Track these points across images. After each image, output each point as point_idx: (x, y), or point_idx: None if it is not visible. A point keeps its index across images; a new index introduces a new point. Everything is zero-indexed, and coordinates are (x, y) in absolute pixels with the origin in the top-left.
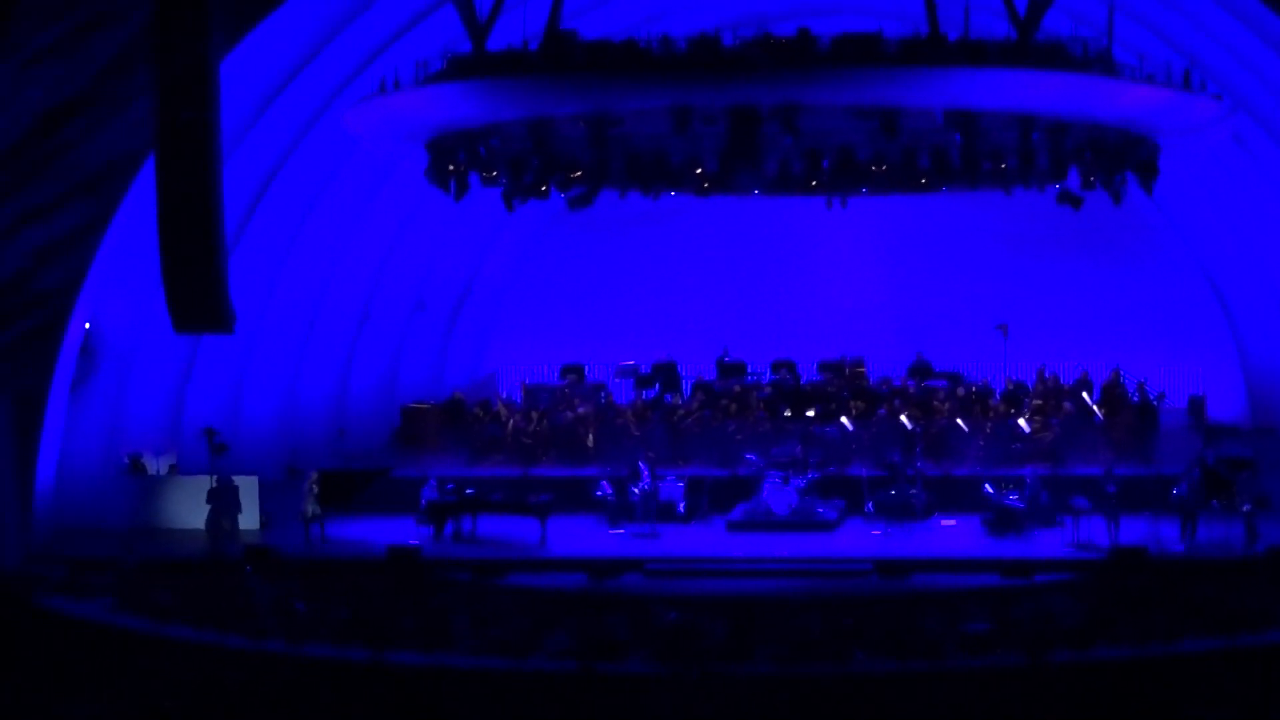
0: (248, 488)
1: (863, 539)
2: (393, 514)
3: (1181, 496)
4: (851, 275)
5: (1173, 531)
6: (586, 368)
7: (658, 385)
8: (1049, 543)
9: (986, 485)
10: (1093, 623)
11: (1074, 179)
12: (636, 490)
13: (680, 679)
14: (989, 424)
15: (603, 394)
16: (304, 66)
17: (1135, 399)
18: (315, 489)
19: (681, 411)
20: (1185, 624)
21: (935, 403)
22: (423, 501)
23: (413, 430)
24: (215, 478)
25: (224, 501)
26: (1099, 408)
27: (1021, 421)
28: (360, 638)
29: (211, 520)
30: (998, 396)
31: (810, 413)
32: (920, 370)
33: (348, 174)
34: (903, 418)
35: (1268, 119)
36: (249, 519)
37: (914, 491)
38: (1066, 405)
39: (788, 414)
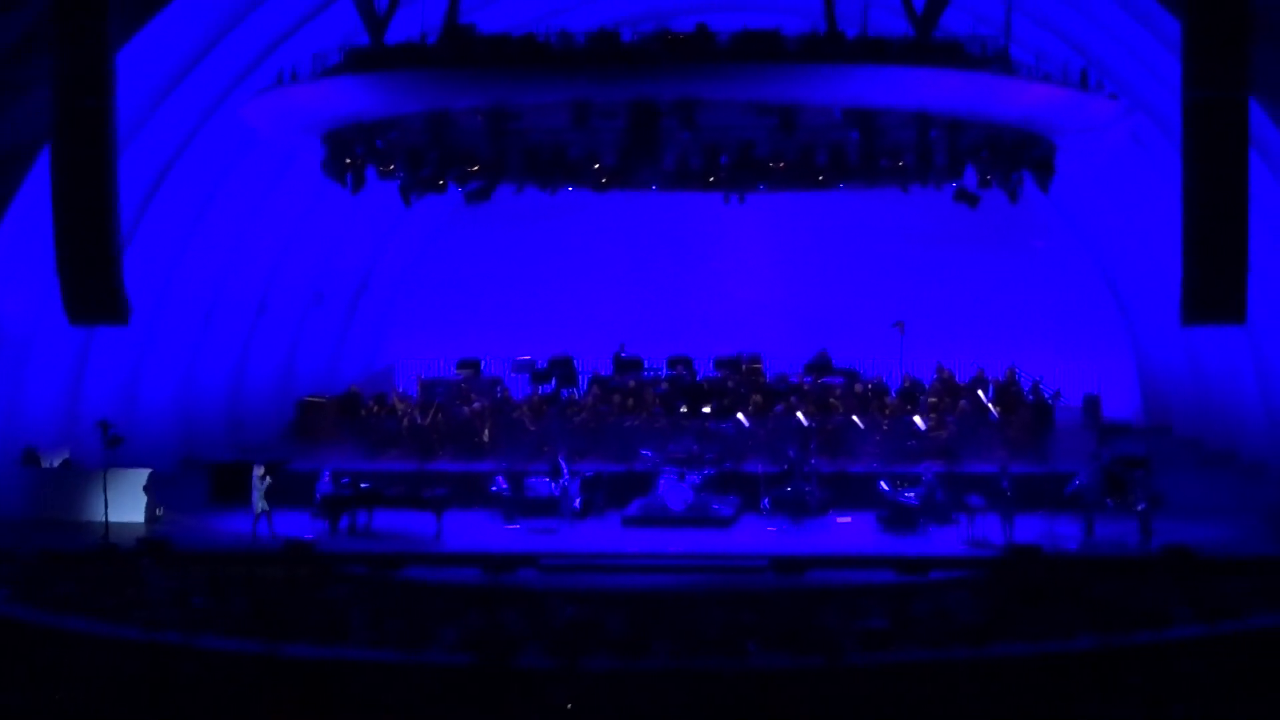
0: (140, 481)
1: (758, 535)
2: (288, 507)
3: (1078, 494)
4: (749, 271)
5: (1068, 529)
6: (483, 362)
7: (554, 380)
8: (945, 540)
9: (882, 482)
10: (990, 620)
11: (971, 177)
12: (556, 486)
13: (576, 673)
14: (885, 421)
15: (499, 388)
16: (202, 57)
17: (1030, 397)
18: (264, 482)
19: (578, 406)
20: (1081, 621)
21: (831, 399)
22: (318, 495)
23: (309, 423)
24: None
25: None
26: (994, 405)
27: (917, 419)
28: (257, 630)
29: (149, 510)
30: (894, 393)
31: (706, 409)
32: (818, 367)
33: (246, 166)
34: (799, 414)
35: (1165, 119)
36: (139, 511)
37: (809, 488)
38: (962, 403)
39: (684, 410)
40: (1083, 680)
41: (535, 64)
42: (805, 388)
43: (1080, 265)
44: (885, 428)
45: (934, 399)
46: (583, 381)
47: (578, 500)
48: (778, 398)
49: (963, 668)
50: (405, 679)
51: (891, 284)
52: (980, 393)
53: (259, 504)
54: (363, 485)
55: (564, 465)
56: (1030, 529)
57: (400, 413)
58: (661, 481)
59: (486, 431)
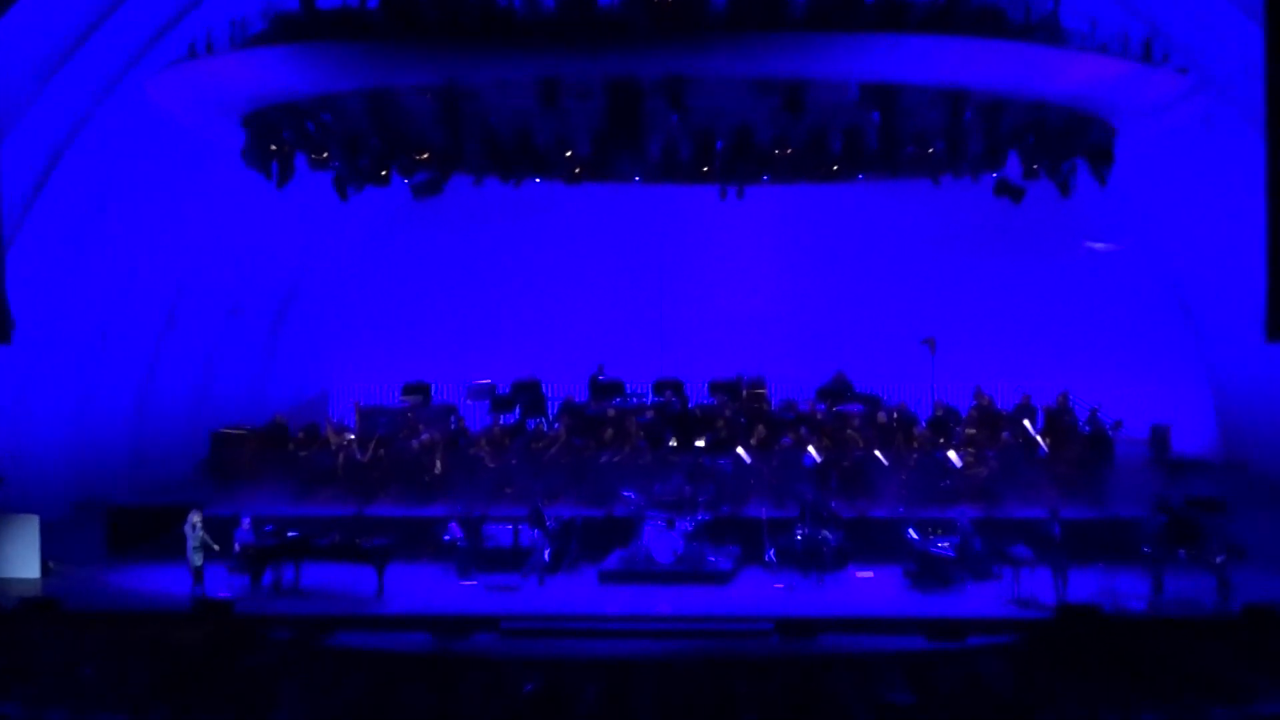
0: (28, 528)
1: (762, 593)
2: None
3: (1143, 543)
4: (750, 279)
5: (1131, 585)
6: (434, 387)
7: (518, 408)
8: (983, 599)
9: (910, 530)
10: (1036, 695)
11: (1014, 167)
12: (536, 538)
13: None
14: (913, 456)
15: (452, 418)
16: (98, 25)
17: (1086, 428)
18: (197, 532)
19: (546, 439)
20: (1146, 696)
21: (849, 431)
22: (237, 545)
23: (226, 459)
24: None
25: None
26: (1043, 438)
27: (951, 454)
28: (161, 707)
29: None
30: (923, 424)
31: (700, 442)
32: (834, 392)
33: (151, 154)
34: (810, 449)
35: (1242, 99)
36: (26, 565)
37: (823, 537)
38: (1005, 435)
39: (673, 443)
40: None
41: (495, 35)
42: (818, 417)
43: (1144, 273)
44: (913, 464)
45: (971, 430)
46: (552, 409)
47: (546, 551)
48: (785, 429)
49: None
50: None
51: (920, 294)
52: (1026, 423)
53: (195, 557)
54: (290, 533)
55: (544, 512)
56: (1086, 585)
57: (335, 447)
58: (646, 529)
59: (438, 469)
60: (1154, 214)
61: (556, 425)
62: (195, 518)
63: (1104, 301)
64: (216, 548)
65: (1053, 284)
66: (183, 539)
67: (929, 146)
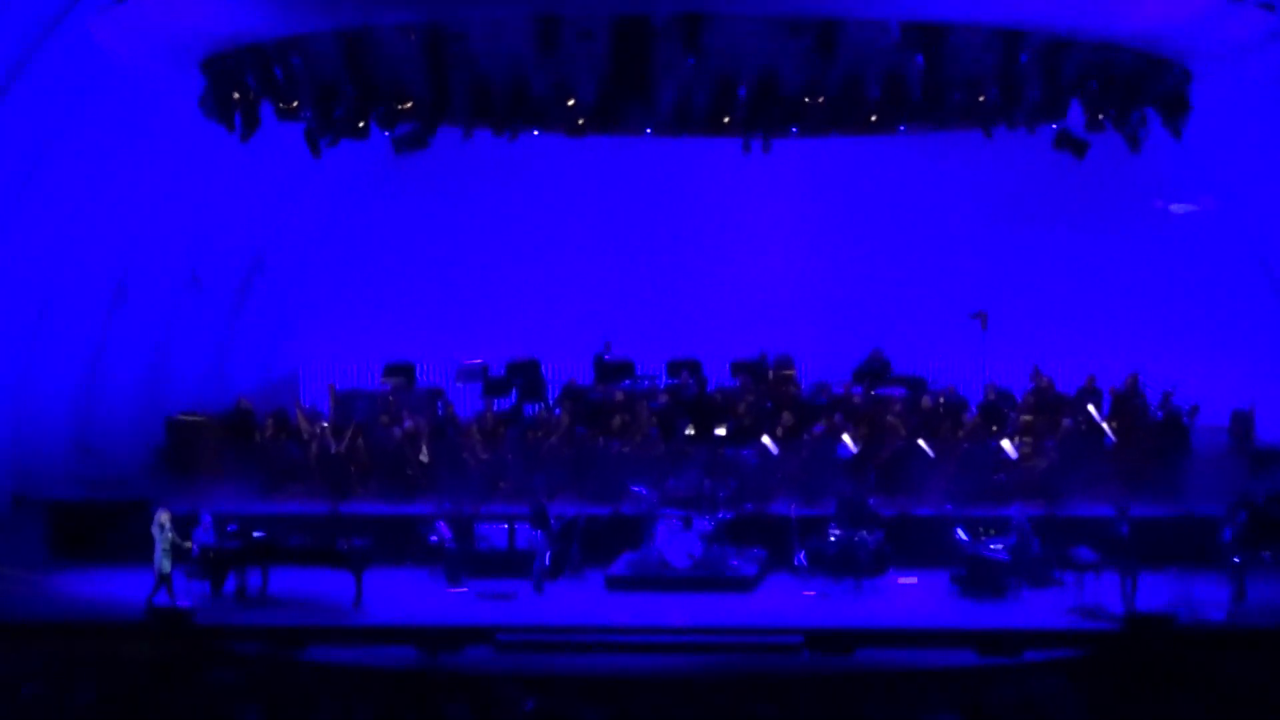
0: None
1: (791, 602)
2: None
3: (1224, 546)
4: (777, 245)
5: (1209, 591)
6: (418, 367)
7: (514, 392)
8: (1042, 608)
9: (958, 530)
10: (1100, 717)
11: (1076, 117)
12: (536, 538)
13: None
14: (962, 446)
15: (440, 403)
16: None
17: (1159, 414)
18: (166, 533)
19: (546, 427)
20: (1226, 718)
21: (890, 417)
22: (195, 547)
23: (183, 450)
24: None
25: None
26: (1110, 425)
27: (1006, 443)
28: None
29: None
30: (974, 409)
31: (720, 430)
32: (870, 373)
33: (97, 104)
34: (845, 437)
35: None
36: None
37: (860, 538)
38: (1066, 422)
39: (690, 431)
40: None
41: None
42: (854, 401)
43: (1225, 239)
44: (962, 456)
45: (1028, 416)
46: (553, 393)
47: (546, 554)
48: (817, 415)
49: None
50: None
51: (970, 262)
52: (1091, 408)
53: (163, 562)
54: (256, 534)
55: (548, 510)
56: (1159, 592)
57: (307, 436)
58: (659, 529)
59: (423, 460)
60: (1237, 172)
61: (557, 411)
62: (163, 517)
63: (1179, 271)
64: (191, 548)
65: (1121, 251)
66: (144, 541)
67: (980, 94)
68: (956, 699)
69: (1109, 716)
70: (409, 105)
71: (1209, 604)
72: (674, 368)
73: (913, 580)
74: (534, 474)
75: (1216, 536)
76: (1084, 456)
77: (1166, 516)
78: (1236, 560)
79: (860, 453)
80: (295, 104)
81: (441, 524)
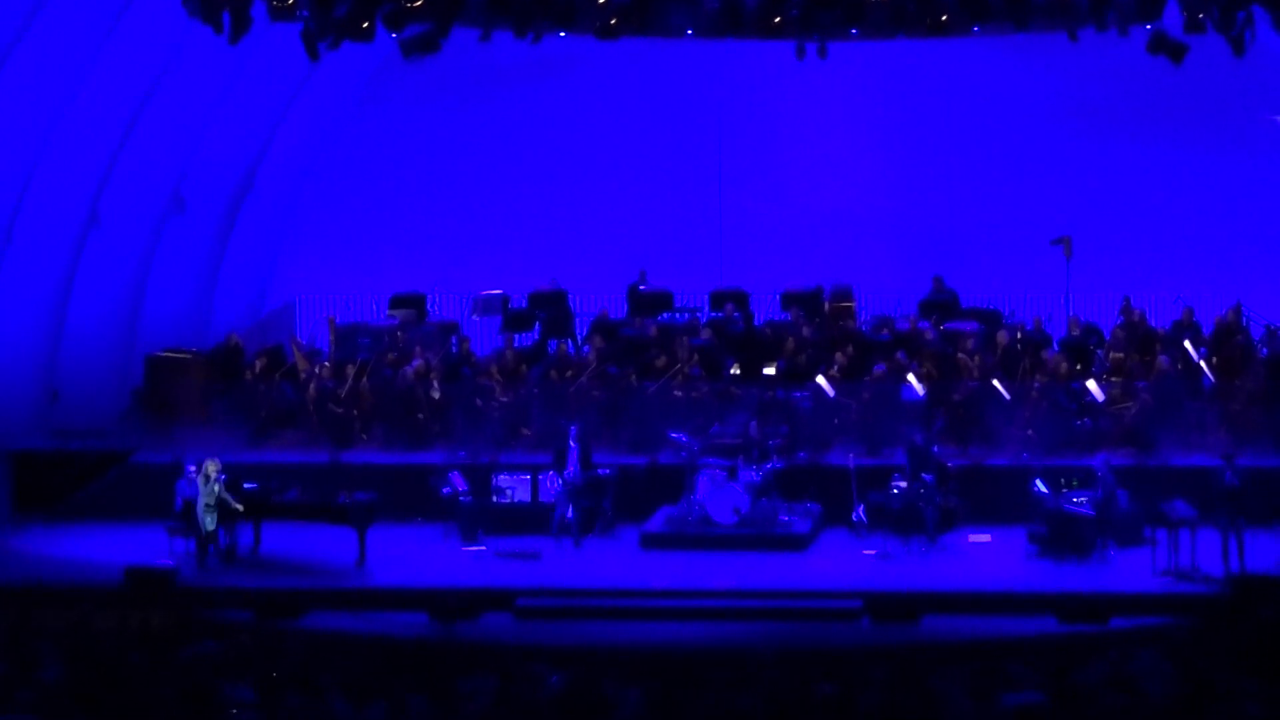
0: None
1: (849, 562)
2: (134, 519)
3: None
4: (834, 162)
5: None
6: (429, 299)
7: (538, 326)
8: (1131, 569)
9: (1037, 481)
10: (1199, 693)
11: (1173, 17)
12: (560, 482)
13: None
14: (1042, 388)
15: (454, 339)
16: None
17: (1264, 350)
18: (213, 484)
19: (574, 367)
20: None
21: (961, 355)
22: (179, 501)
23: (164, 392)
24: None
25: None
26: (1209, 364)
27: (1092, 384)
28: (82, 709)
29: None
30: (1056, 346)
31: (769, 370)
32: (939, 305)
33: (67, 2)
34: (910, 378)
35: None
36: None
37: (928, 491)
38: (1161, 359)
39: (735, 371)
40: None
41: None
42: (921, 337)
43: None
44: (1042, 399)
45: (1117, 354)
46: (581, 328)
47: (573, 509)
48: (878, 353)
49: None
50: None
51: (1052, 181)
52: (1188, 344)
53: (206, 519)
54: (247, 486)
55: (575, 450)
56: (1265, 552)
57: (304, 376)
58: (701, 481)
59: (435, 402)
60: None
61: (586, 349)
62: (210, 466)
63: None
64: (240, 508)
65: (1222, 169)
66: (121, 494)
67: None
68: (1036, 672)
69: (1209, 692)
70: (418, 2)
71: None
72: (718, 299)
73: (986, 539)
74: (560, 418)
75: None
76: (1179, 399)
77: (1273, 467)
78: None
79: (928, 395)
80: (291, 1)
81: (455, 475)
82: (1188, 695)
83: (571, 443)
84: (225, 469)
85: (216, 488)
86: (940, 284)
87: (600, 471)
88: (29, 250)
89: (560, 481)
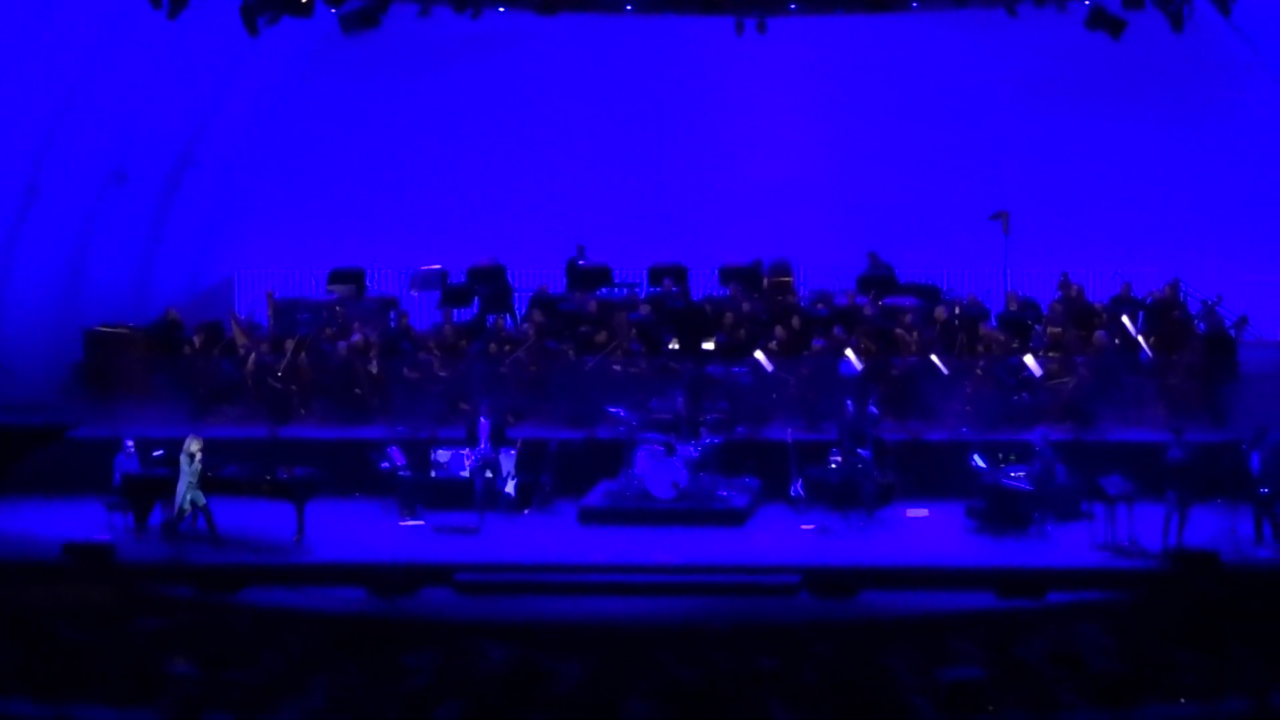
0: None
1: (787, 536)
2: (71, 494)
3: (1258, 474)
4: (773, 137)
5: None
6: (368, 274)
7: (476, 301)
8: (1069, 544)
9: (975, 456)
10: (1138, 668)
11: None
12: (469, 461)
13: None
14: (980, 363)
15: (393, 314)
16: None
17: (1201, 326)
18: (196, 462)
19: (512, 341)
20: (1276, 668)
21: (899, 330)
22: (118, 476)
23: (103, 366)
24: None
25: None
26: (1147, 339)
27: (1029, 359)
28: (17, 689)
29: None
30: (993, 321)
31: (708, 345)
32: (877, 281)
33: None
34: (848, 352)
35: None
36: None
37: (865, 465)
38: (1099, 334)
39: (674, 346)
40: None
41: None
42: (859, 313)
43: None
44: (981, 373)
45: (1055, 329)
46: (520, 303)
47: (512, 483)
48: (817, 328)
49: None
50: None
51: (989, 156)
52: (1126, 319)
53: (186, 495)
54: None
55: (485, 425)
56: (1202, 527)
57: (243, 350)
58: (640, 455)
59: (374, 377)
60: None
61: (525, 323)
62: (193, 444)
63: (1228, 167)
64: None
65: (1161, 144)
66: (60, 470)
67: None
68: (975, 647)
69: (1146, 666)
70: None
71: (1258, 540)
72: (656, 274)
73: (924, 513)
74: (498, 393)
75: (1243, 465)
76: (1117, 374)
77: (1210, 443)
78: (1264, 491)
79: (866, 370)
80: None
81: (394, 449)
82: (1127, 669)
83: (482, 418)
84: (162, 444)
85: (197, 462)
86: (875, 259)
87: (506, 450)
88: None
89: (474, 457)
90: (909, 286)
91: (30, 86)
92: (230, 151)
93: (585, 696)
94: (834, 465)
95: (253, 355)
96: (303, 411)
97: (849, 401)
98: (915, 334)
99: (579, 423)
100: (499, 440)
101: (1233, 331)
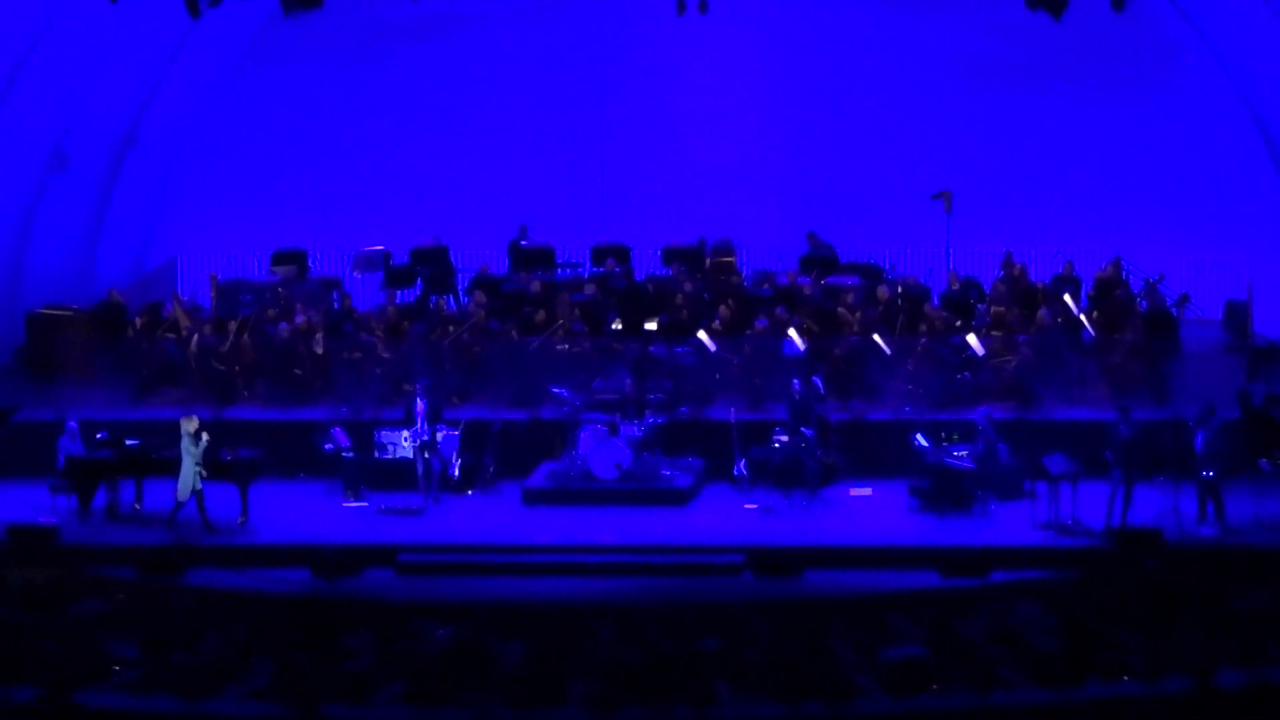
0: None
1: (731, 516)
2: (14, 476)
3: (1215, 452)
4: (716, 118)
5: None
6: (310, 255)
7: (419, 282)
8: (1011, 523)
9: (918, 435)
10: (1080, 646)
11: None
12: (406, 441)
13: None
14: (923, 342)
15: (335, 295)
16: None
17: (1143, 304)
18: (200, 443)
19: (455, 322)
20: (1221, 648)
21: (842, 310)
22: (61, 458)
23: (46, 349)
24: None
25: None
26: (1089, 317)
27: (972, 338)
28: None
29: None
30: (936, 300)
31: (651, 325)
32: (819, 260)
33: None
34: (791, 332)
35: None
36: None
37: (809, 445)
38: (1042, 313)
39: (617, 326)
40: None
41: None
42: (802, 292)
43: (1221, 108)
44: (923, 352)
45: (998, 308)
46: (462, 283)
47: (455, 465)
48: (760, 308)
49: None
50: None
51: (932, 136)
52: (1068, 298)
53: (190, 478)
54: (129, 442)
55: (421, 406)
56: (1144, 506)
57: (185, 332)
58: (583, 436)
59: (317, 358)
60: (1238, 35)
61: (468, 304)
62: (191, 425)
63: (1169, 146)
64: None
65: (1103, 123)
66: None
67: None
68: (918, 625)
69: (1088, 645)
70: None
71: (1201, 518)
72: (599, 255)
73: (867, 492)
74: (441, 374)
75: (1187, 443)
76: (1060, 353)
77: (1152, 420)
78: (1208, 475)
79: (809, 350)
80: None
81: (337, 431)
82: (1069, 647)
83: (418, 399)
84: (105, 426)
85: (203, 443)
86: (815, 239)
87: (444, 430)
88: None
89: (411, 438)
90: (851, 266)
91: None
92: (173, 133)
93: (529, 676)
94: (777, 445)
95: (195, 337)
96: (246, 393)
97: (796, 381)
98: (857, 314)
99: (522, 403)
100: (436, 420)
101: (1174, 310)
